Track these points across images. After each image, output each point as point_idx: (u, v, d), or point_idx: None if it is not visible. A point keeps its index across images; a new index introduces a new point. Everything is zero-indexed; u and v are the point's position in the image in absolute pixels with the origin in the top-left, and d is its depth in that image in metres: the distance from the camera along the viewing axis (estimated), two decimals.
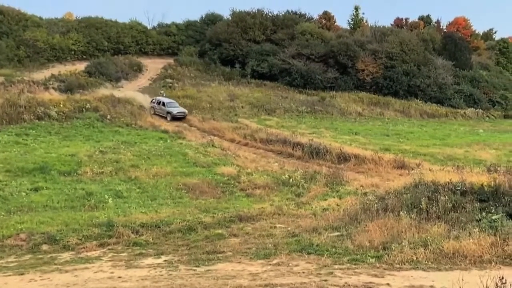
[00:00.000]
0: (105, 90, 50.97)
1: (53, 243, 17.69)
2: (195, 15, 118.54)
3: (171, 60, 75.73)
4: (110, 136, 37.86)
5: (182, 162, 31.30)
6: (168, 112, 47.36)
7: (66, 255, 16.50)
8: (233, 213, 21.16)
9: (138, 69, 71.46)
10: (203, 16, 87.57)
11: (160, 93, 55.85)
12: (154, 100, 49.45)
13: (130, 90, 55.20)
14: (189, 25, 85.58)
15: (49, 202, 22.61)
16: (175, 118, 46.79)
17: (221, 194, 25.78)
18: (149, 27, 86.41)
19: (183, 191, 25.66)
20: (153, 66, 72.93)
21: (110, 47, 75.29)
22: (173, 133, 40.60)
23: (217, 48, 75.04)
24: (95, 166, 28.52)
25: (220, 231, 18.49)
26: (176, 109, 48.09)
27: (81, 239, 17.85)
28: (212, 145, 36.43)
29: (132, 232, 18.53)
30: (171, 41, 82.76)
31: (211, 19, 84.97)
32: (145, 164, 29.95)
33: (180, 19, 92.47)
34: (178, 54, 78.65)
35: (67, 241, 17.63)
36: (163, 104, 48.32)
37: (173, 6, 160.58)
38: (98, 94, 48.65)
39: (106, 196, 23.62)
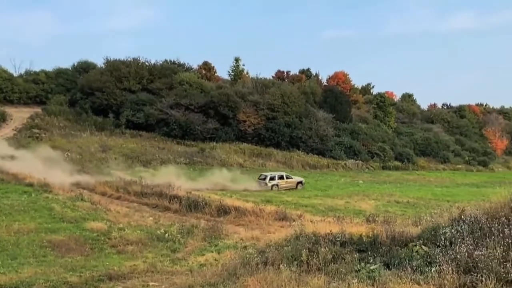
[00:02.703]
0: None
1: None
2: (66, 63, 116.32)
3: (39, 109, 73.77)
4: None
5: (47, 218, 29.79)
6: (299, 182, 48.99)
7: None
8: (102, 271, 20.24)
9: (2, 118, 68.54)
10: (75, 64, 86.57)
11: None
12: (269, 177, 48.18)
13: None
14: (59, 73, 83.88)
15: None
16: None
17: (89, 251, 24.66)
18: (15, 74, 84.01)
19: (47, 248, 24.32)
20: (19, 115, 70.26)
21: None
22: (39, 186, 38.69)
23: (89, 97, 73.82)
24: None
25: None
26: (300, 177, 50.87)
27: None
28: (81, 199, 35.00)
29: None
30: (39, 89, 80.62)
31: (84, 67, 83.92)
32: (6, 220, 28.23)
33: (50, 66, 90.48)
34: (47, 103, 76.77)
35: None
36: (287, 177, 49.09)
37: (42, 53, 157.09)
38: None
39: None
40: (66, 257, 23.39)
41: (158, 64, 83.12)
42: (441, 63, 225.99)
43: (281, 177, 48.61)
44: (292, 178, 49.40)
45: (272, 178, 47.88)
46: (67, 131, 64.43)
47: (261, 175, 50.09)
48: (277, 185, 47.33)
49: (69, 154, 54.02)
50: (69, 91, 79.31)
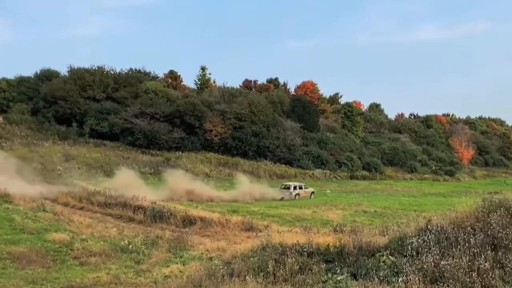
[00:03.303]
0: None
1: None
2: (29, 71, 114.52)
3: None
4: None
5: (7, 229, 29.05)
6: (312, 192, 53.61)
7: None
8: (64, 283, 19.81)
9: None
10: (38, 72, 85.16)
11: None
12: (293, 186, 52.64)
13: None
14: (21, 81, 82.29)
15: None
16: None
17: (51, 263, 24.11)
18: None
19: (7, 260, 23.69)
20: None
21: None
22: None
23: (52, 106, 72.90)
24: None
25: None
26: (312, 188, 55.42)
27: None
28: (43, 210, 34.27)
29: None
30: (0, 97, 78.97)
31: (47, 76, 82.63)
32: None
33: (11, 74, 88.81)
34: (8, 111, 75.40)
35: None
36: (305, 187, 53.84)
37: (3, 61, 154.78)
38: None
39: None
40: (27, 269, 22.84)
41: (123, 72, 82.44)
42: (408, 73, 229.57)
43: (301, 187, 53.13)
44: (308, 188, 54.08)
45: (295, 188, 52.34)
46: (29, 140, 63.52)
47: (282, 184, 54.27)
48: (298, 194, 51.83)
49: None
50: (32, 100, 78.07)
